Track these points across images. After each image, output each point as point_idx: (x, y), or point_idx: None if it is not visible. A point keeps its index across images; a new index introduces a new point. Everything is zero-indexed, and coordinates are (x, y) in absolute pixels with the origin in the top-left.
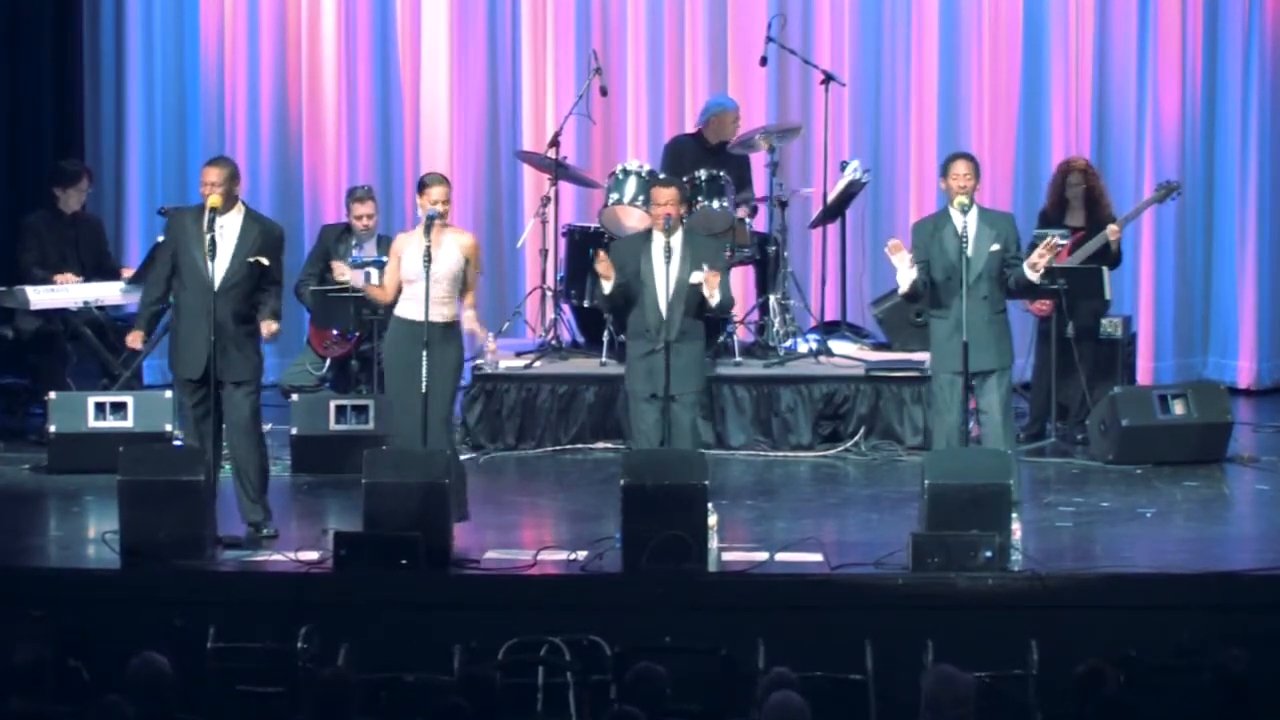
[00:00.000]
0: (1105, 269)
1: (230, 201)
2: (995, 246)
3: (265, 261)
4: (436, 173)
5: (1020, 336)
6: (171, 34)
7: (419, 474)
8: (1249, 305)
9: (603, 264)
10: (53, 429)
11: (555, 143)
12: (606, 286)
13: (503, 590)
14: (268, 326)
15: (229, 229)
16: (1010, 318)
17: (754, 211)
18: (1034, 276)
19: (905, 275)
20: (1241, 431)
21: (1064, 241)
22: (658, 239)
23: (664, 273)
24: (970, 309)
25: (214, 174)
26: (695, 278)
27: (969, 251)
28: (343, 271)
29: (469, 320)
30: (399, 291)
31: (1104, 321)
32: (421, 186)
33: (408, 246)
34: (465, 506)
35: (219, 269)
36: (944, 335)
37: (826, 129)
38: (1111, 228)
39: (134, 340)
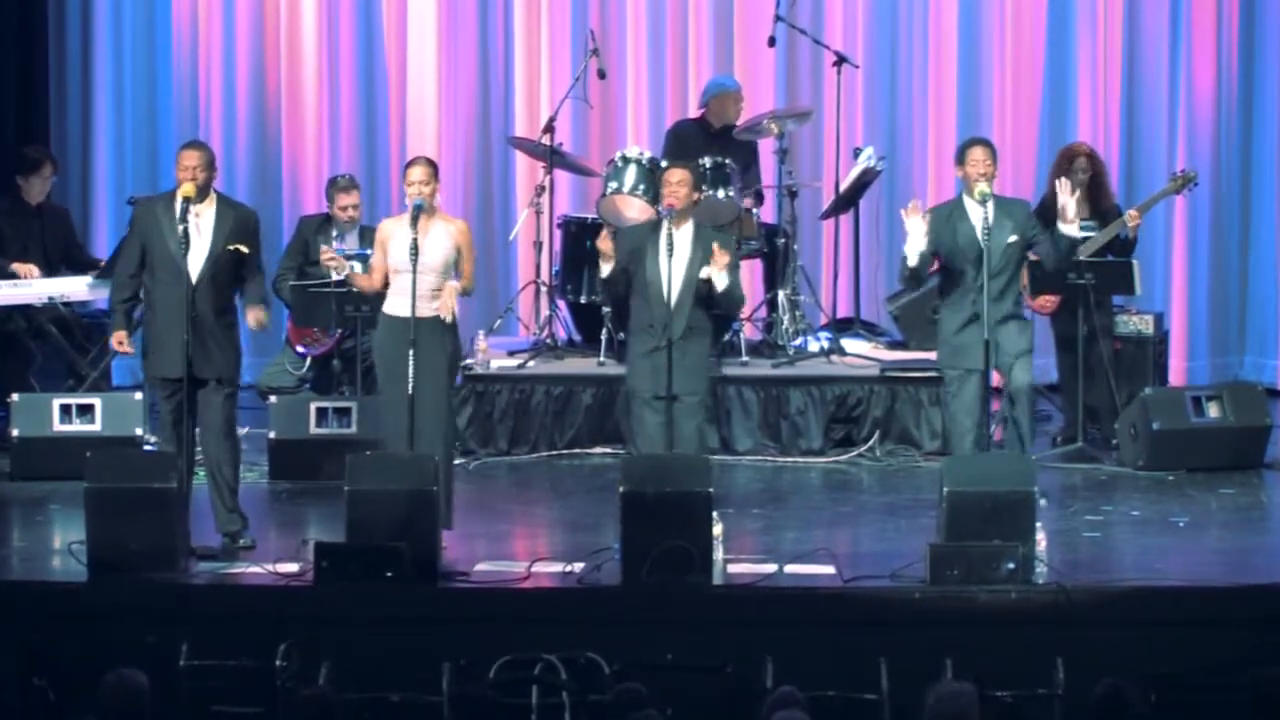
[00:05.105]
0: (1136, 262)
1: (205, 189)
2: (1012, 239)
3: (245, 249)
4: (419, 156)
5: (1041, 335)
6: (142, 12)
7: (405, 480)
8: None
9: (605, 241)
10: (15, 433)
11: (550, 128)
12: (605, 269)
13: (494, 604)
14: (255, 314)
15: (204, 218)
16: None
17: (760, 201)
18: (1071, 230)
19: (916, 245)
20: None
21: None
22: (665, 230)
23: (670, 266)
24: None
25: (193, 157)
26: (705, 272)
27: (989, 243)
28: (331, 256)
29: (448, 289)
30: (386, 282)
31: (1121, 319)
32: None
33: (395, 234)
34: (450, 513)
35: (195, 261)
36: (951, 330)
37: (838, 114)
38: (1131, 213)
39: (120, 342)
